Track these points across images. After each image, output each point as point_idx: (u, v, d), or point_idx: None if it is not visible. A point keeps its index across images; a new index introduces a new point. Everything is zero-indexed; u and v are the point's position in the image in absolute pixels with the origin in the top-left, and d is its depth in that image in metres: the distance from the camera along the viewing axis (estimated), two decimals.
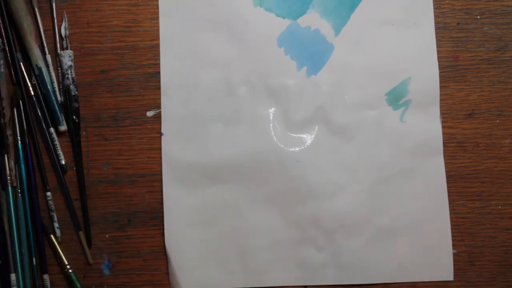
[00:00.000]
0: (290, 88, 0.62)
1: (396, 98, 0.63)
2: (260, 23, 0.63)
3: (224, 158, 0.62)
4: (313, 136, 0.63)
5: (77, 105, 0.62)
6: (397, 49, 0.63)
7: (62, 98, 0.62)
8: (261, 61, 0.63)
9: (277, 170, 0.62)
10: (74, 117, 0.62)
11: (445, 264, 0.62)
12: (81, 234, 0.61)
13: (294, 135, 0.62)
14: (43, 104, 0.61)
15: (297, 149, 0.62)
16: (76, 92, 0.62)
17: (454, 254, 0.62)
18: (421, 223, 0.62)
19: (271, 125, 0.62)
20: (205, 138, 0.62)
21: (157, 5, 0.63)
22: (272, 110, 0.63)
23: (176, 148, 0.62)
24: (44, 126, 0.61)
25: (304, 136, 0.62)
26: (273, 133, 0.62)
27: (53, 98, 0.61)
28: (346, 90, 0.63)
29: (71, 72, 0.61)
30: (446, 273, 0.62)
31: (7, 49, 0.61)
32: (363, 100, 0.63)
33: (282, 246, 0.62)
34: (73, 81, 0.61)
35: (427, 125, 0.63)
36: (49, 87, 0.61)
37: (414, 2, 0.64)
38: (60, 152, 0.62)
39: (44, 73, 0.61)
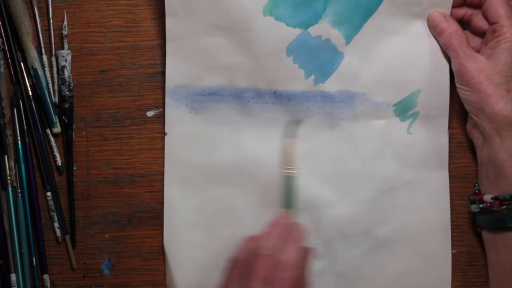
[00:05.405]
0: (297, 96, 0.61)
1: (404, 109, 0.62)
2: (270, 32, 0.60)
3: (227, 161, 0.61)
4: (318, 143, 0.62)
5: (67, 106, 0.61)
6: (408, 59, 0.61)
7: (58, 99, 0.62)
8: (269, 69, 0.61)
9: (280, 176, 0.61)
10: (64, 117, 0.61)
11: (443, 277, 0.61)
12: (67, 238, 0.62)
13: (299, 142, 0.62)
14: (39, 105, 0.61)
15: (301, 155, 0.62)
16: (67, 93, 0.61)
17: (454, 254, 0.62)
18: (422, 237, 0.61)
19: (275, 131, 0.62)
20: (210, 140, 0.62)
21: (158, 5, 0.63)
22: (277, 116, 0.62)
23: (179, 148, 0.61)
24: (39, 128, 0.61)
25: (309, 143, 0.62)
26: (277, 139, 0.62)
27: (48, 99, 0.61)
28: (354, 99, 0.61)
29: (64, 73, 0.61)
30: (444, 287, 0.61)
31: (6, 49, 0.61)
32: (370, 110, 0.61)
33: None
34: (64, 82, 0.61)
35: (434, 139, 0.62)
36: (44, 88, 0.61)
37: (430, 12, 0.61)
38: (56, 153, 0.62)
39: (39, 74, 0.61)
